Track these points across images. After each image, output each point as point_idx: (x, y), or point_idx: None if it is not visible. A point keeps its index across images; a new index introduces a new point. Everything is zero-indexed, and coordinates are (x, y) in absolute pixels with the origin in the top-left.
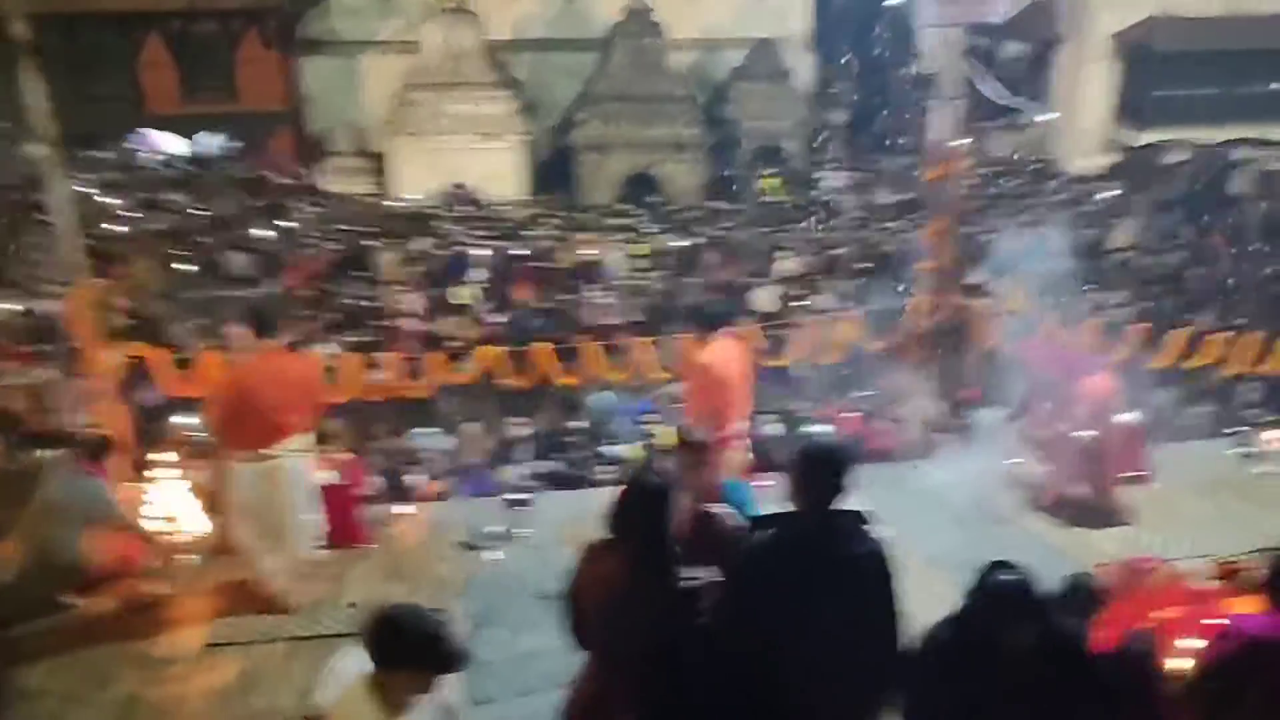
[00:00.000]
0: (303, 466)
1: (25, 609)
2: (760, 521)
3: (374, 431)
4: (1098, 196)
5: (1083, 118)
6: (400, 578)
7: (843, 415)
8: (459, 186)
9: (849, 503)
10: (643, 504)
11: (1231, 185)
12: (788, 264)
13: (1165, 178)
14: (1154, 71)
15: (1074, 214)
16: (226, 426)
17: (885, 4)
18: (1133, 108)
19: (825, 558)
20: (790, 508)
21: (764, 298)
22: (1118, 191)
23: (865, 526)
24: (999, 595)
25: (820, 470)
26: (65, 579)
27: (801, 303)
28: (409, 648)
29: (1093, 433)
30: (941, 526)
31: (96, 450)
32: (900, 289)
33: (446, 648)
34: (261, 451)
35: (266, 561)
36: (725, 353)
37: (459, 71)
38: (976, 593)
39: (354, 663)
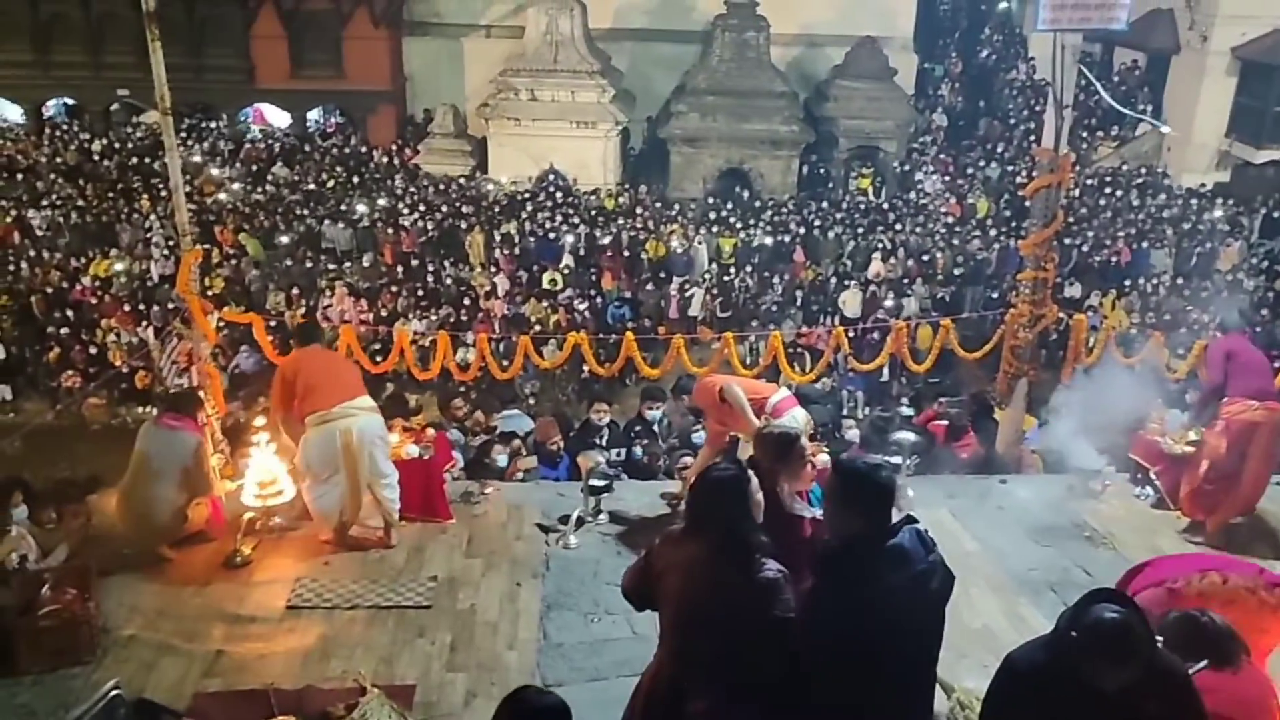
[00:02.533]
0: (372, 424)
1: (127, 561)
2: (835, 552)
3: (458, 409)
4: (1207, 216)
5: (1196, 131)
6: (478, 555)
7: (932, 423)
8: (552, 172)
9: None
10: (717, 493)
11: None
12: (878, 266)
13: None
14: (1276, 86)
15: (1181, 230)
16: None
17: (998, 6)
18: (1250, 123)
19: (911, 573)
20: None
21: (851, 299)
22: (1229, 209)
23: (923, 529)
24: (1100, 630)
25: (871, 493)
26: (163, 533)
27: (889, 306)
28: None
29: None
30: (1024, 544)
31: (189, 406)
32: (994, 298)
33: None
34: (327, 411)
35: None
36: None
37: (558, 59)
38: (1074, 623)
39: None
